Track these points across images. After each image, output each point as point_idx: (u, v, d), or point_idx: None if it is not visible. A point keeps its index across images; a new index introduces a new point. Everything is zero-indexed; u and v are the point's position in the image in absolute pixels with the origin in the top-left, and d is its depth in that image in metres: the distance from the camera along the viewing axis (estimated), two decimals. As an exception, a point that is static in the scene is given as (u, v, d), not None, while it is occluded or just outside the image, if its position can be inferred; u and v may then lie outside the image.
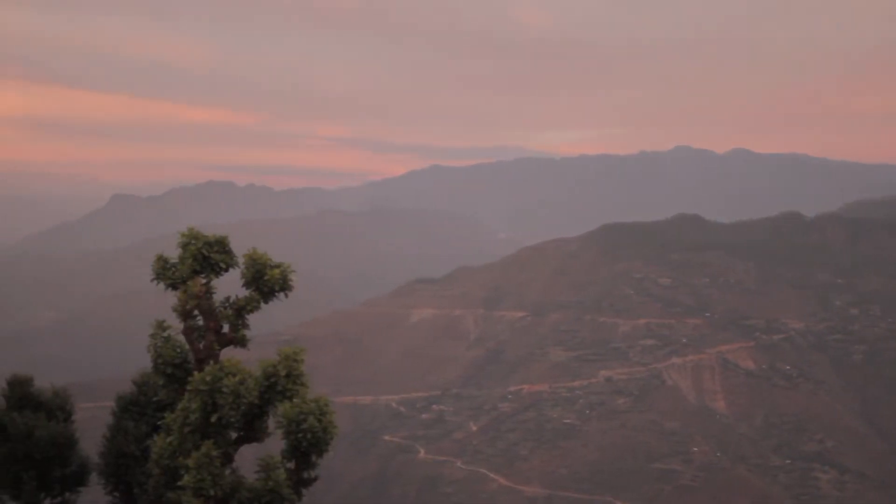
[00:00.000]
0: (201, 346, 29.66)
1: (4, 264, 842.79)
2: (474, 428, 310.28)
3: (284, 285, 30.16)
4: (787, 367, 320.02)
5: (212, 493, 27.88)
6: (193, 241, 29.62)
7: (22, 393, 48.66)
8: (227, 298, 30.32)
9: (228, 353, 29.62)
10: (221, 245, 29.87)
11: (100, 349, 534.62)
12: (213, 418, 27.97)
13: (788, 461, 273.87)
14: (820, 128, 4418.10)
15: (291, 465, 29.62)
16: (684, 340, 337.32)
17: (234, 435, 29.51)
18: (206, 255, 29.55)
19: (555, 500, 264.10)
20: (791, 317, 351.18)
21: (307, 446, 28.76)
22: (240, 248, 30.72)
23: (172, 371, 29.71)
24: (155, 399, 42.78)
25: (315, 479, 30.32)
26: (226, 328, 30.24)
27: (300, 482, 29.87)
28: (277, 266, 29.98)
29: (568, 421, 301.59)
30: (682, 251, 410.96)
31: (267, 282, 29.83)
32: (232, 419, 28.05)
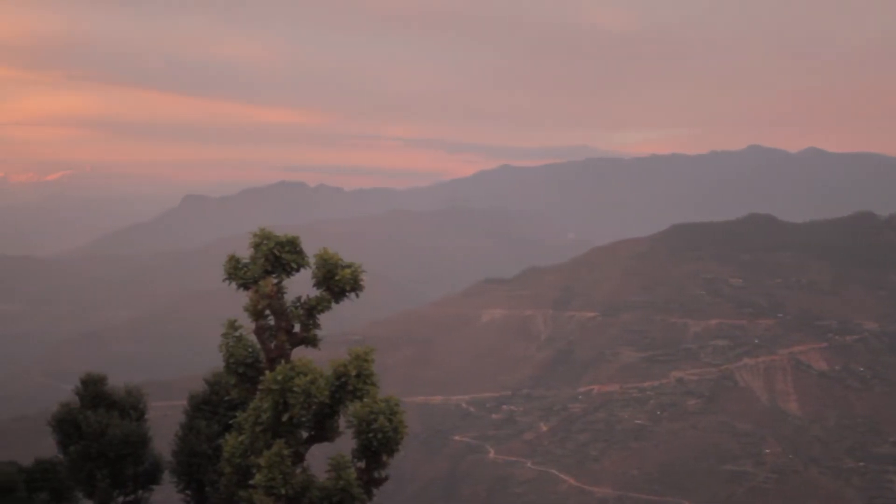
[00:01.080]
0: (273, 345, 29.84)
1: (82, 263, 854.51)
2: (544, 428, 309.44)
3: (355, 285, 30.26)
4: (861, 369, 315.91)
5: (283, 491, 28.03)
6: (265, 242, 29.81)
7: (96, 391, 49.20)
8: (299, 298, 30.47)
9: (299, 353, 29.76)
10: (293, 245, 30.03)
11: (172, 348, 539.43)
12: (285, 417, 28.12)
13: (862, 463, 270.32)
14: (894, 126, 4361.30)
15: (362, 464, 29.71)
16: (756, 341, 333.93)
17: (304, 434, 29.64)
18: (278, 256, 29.72)
19: (625, 501, 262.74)
20: (865, 318, 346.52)
21: (377, 446, 28.84)
22: (311, 248, 30.85)
23: (244, 370, 29.89)
24: (227, 398, 43.09)
25: (385, 478, 30.39)
26: (297, 328, 30.39)
27: (370, 482, 29.96)
28: (348, 266, 30.09)
29: (639, 422, 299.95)
30: (754, 251, 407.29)
31: (338, 282, 29.94)
32: (303, 418, 28.19)
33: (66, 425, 47.97)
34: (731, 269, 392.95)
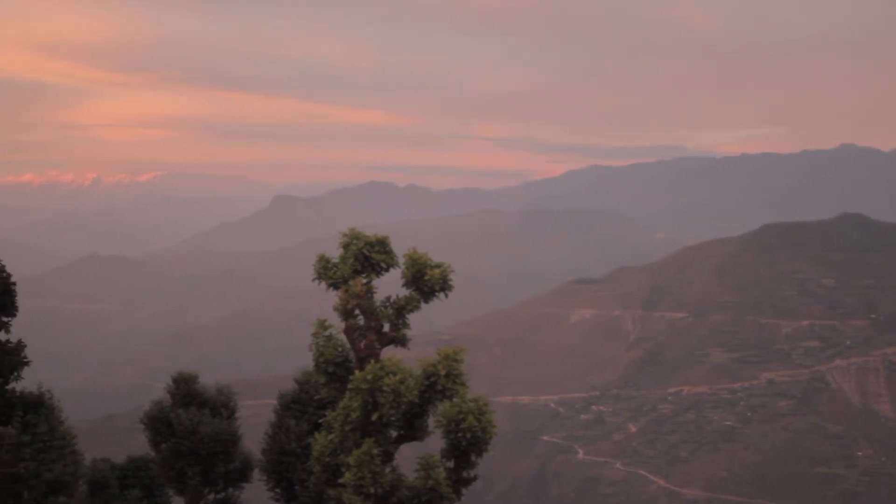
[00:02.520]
0: (362, 345, 29.94)
1: (173, 263, 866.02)
2: (633, 429, 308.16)
3: (444, 285, 30.27)
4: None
5: (372, 490, 28.11)
6: (354, 242, 29.91)
7: (187, 390, 49.90)
8: (388, 298, 30.55)
9: (389, 353, 29.82)
10: (382, 245, 30.11)
11: (262, 347, 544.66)
12: (374, 417, 28.19)
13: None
14: None
15: (451, 464, 29.71)
16: (848, 342, 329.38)
17: (394, 433, 29.71)
18: (367, 255, 29.81)
19: (714, 503, 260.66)
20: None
21: (466, 445, 28.82)
22: (400, 248, 30.90)
23: (334, 370, 30.01)
24: (316, 397, 43.47)
25: (474, 478, 30.36)
26: (386, 327, 30.48)
27: (459, 481, 29.94)
28: (437, 266, 30.10)
29: (728, 423, 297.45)
30: (847, 251, 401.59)
31: (427, 281, 29.98)
32: (392, 418, 28.24)
33: (158, 423, 48.64)
34: (822, 269, 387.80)
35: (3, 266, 45.57)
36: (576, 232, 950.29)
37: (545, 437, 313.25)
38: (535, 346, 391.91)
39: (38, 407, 42.71)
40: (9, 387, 43.64)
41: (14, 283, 44.85)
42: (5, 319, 44.83)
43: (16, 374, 44.07)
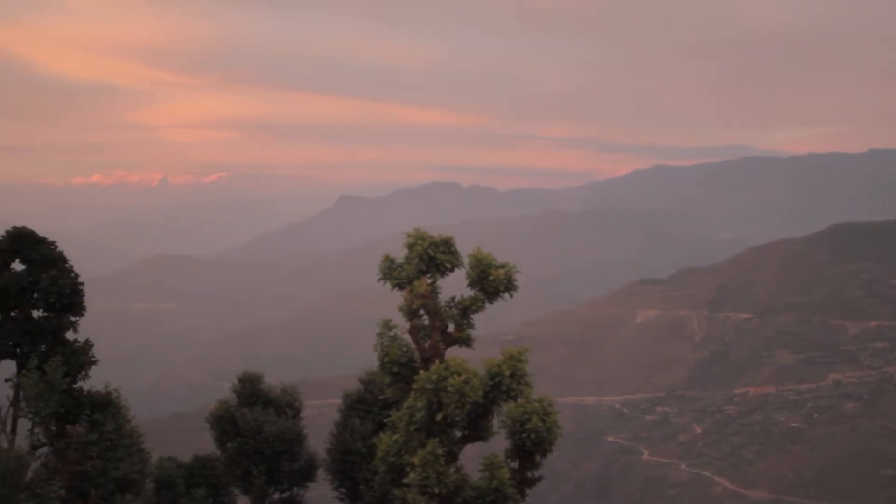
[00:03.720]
0: (427, 345, 30.02)
1: (238, 263, 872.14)
2: (699, 430, 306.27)
3: (509, 285, 30.31)
4: None
5: (436, 490, 28.18)
6: (419, 242, 30.00)
7: (252, 389, 50.38)
8: (453, 298, 30.62)
9: (453, 353, 29.88)
10: (447, 245, 30.18)
11: (326, 347, 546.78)
12: (439, 417, 28.27)
13: None
14: None
15: (515, 464, 29.74)
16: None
17: (458, 434, 29.77)
18: (432, 256, 29.89)
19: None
20: None
21: (531, 446, 28.84)
22: (464, 248, 30.93)
23: (398, 370, 30.13)
24: (381, 397, 43.64)
25: (539, 478, 30.36)
26: (451, 327, 30.53)
27: (524, 482, 29.96)
28: (502, 266, 30.14)
29: (795, 424, 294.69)
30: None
31: (492, 282, 30.02)
32: (457, 418, 28.31)
33: (224, 422, 49.09)
34: (891, 269, 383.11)
35: (72, 266, 46.23)
36: (640, 232, 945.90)
37: (610, 438, 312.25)
38: (600, 347, 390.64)
39: (105, 406, 43.18)
40: (77, 386, 44.22)
41: (82, 283, 45.48)
42: (73, 319, 45.47)
43: (83, 372, 44.67)
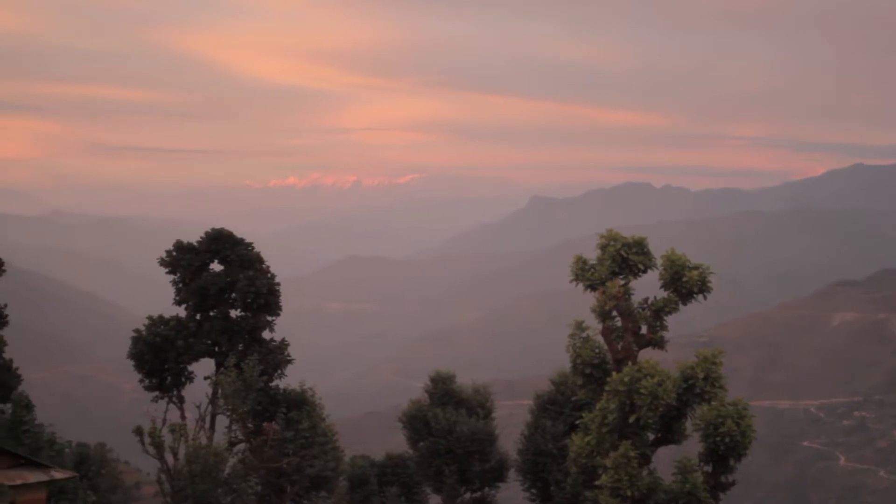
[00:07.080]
0: (619, 346, 29.92)
1: (431, 264, 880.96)
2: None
3: (703, 287, 30.01)
4: None
5: (629, 493, 28.06)
6: (612, 243, 29.95)
7: (445, 389, 50.96)
8: (646, 300, 30.47)
9: (646, 354, 29.72)
10: (640, 246, 30.05)
11: (516, 348, 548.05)
12: (632, 419, 28.14)
13: None
14: None
15: (709, 468, 29.45)
16: None
17: (651, 436, 29.60)
18: (625, 257, 29.81)
19: None
20: None
21: (725, 450, 28.52)
22: (656, 249, 30.74)
23: (591, 371, 30.09)
24: (573, 398, 43.57)
25: (732, 483, 30.01)
26: (644, 329, 30.36)
27: (717, 486, 29.64)
28: (696, 267, 29.86)
29: None
30: None
31: (685, 283, 29.77)
32: (650, 420, 28.16)
33: (417, 422, 49.81)
34: None
35: (268, 266, 47.54)
36: (838, 233, 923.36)
37: (805, 443, 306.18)
38: (795, 350, 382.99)
39: (300, 404, 44.31)
40: (273, 384, 45.48)
41: (279, 284, 46.78)
42: (270, 318, 46.83)
43: (280, 371, 46.01)
